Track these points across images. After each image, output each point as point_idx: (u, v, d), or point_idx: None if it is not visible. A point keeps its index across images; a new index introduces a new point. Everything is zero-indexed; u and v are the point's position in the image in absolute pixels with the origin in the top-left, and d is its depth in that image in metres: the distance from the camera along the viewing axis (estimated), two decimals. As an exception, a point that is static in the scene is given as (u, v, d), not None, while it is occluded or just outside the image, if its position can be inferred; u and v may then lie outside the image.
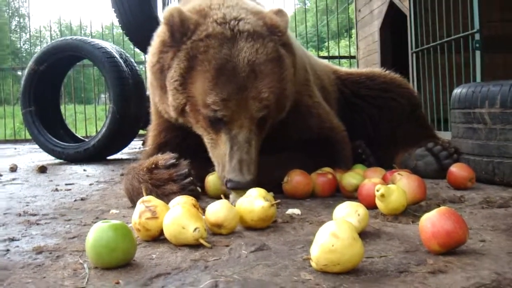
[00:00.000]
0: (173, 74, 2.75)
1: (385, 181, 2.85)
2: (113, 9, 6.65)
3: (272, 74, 2.72)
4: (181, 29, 2.72)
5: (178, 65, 2.72)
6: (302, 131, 3.27)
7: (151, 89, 3.11)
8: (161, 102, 3.00)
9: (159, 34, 2.92)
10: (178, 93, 2.76)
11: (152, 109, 3.41)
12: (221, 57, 2.63)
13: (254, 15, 2.81)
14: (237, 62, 2.63)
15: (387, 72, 4.53)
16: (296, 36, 10.61)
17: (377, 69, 4.68)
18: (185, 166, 2.70)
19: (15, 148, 9.47)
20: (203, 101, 2.66)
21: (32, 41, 18.03)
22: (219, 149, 2.72)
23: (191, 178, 2.65)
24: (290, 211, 2.49)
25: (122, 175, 4.34)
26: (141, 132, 7.36)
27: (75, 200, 3.13)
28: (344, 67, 5.51)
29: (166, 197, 2.50)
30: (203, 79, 2.65)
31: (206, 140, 2.84)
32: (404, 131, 4.17)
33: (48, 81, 6.44)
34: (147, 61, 3.06)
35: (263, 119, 2.75)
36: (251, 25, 2.73)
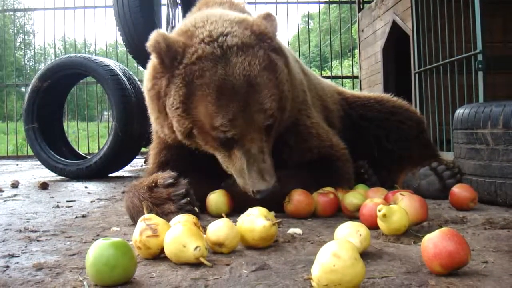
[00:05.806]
0: (173, 102, 2.76)
1: (387, 201, 2.84)
2: (118, 28, 6.69)
3: (269, 82, 2.75)
4: (169, 54, 2.72)
5: (177, 92, 2.73)
6: (303, 152, 3.29)
7: (149, 111, 3.13)
8: (159, 125, 3.04)
9: (152, 60, 2.93)
10: (183, 119, 2.77)
11: (152, 128, 3.42)
12: (217, 79, 2.65)
13: (240, 26, 2.82)
14: (234, 80, 2.65)
15: (395, 98, 4.58)
16: (299, 56, 10.63)
17: (385, 94, 4.72)
18: (183, 186, 2.69)
19: (17, 164, 9.48)
20: (210, 124, 2.68)
21: (36, 58, 18.12)
22: (235, 164, 2.77)
23: (188, 198, 2.64)
24: (291, 230, 2.48)
25: (123, 192, 4.33)
26: (143, 149, 7.36)
27: (76, 217, 3.12)
28: (350, 90, 5.53)
29: (165, 216, 2.49)
30: (206, 103, 2.66)
31: (220, 157, 2.88)
32: (409, 152, 4.19)
33: (52, 98, 6.47)
34: (144, 84, 3.07)
35: (270, 125, 2.80)
36: (239, 38, 2.74)
